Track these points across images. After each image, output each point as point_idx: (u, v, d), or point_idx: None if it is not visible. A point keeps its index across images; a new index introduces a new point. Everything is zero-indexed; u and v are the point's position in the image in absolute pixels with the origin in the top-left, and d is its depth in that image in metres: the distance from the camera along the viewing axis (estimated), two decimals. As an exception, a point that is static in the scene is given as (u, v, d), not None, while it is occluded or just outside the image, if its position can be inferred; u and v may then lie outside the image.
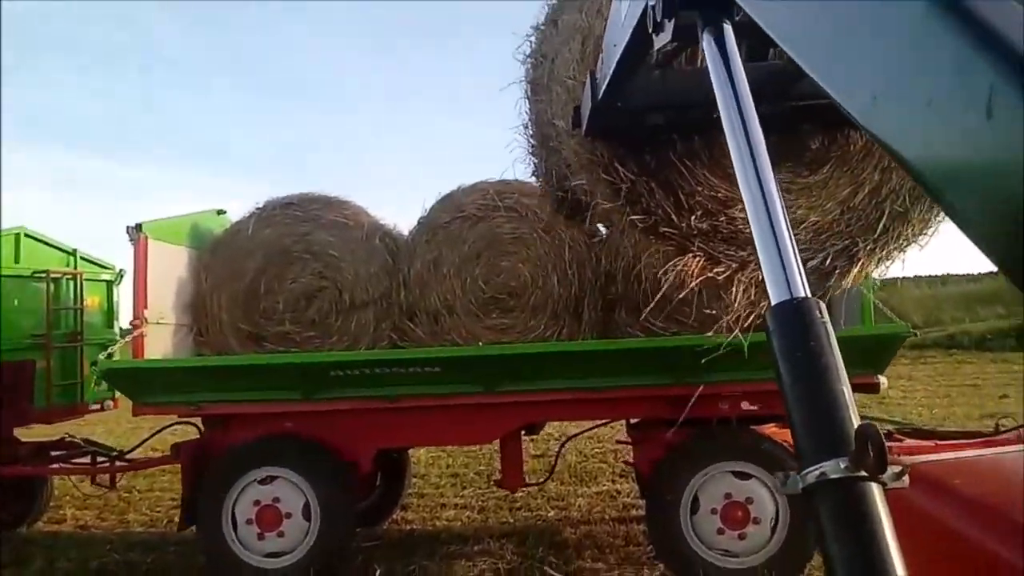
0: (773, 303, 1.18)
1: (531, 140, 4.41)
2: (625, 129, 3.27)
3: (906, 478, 0.99)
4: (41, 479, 7.42)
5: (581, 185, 3.70)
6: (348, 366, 5.35)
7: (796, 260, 1.23)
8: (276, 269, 6.42)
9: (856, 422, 1.02)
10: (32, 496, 7.47)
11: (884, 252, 3.47)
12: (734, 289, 3.48)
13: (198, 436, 6.10)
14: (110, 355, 5.78)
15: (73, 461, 7.31)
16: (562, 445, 7.00)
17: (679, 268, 3.37)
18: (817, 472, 0.99)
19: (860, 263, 3.43)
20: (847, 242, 3.43)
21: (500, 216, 6.20)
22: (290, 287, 6.38)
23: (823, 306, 1.17)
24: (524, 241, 6.17)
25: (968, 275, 28.13)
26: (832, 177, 3.44)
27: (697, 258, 3.40)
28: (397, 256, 6.37)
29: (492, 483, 6.96)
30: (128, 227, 5.77)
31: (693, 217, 3.37)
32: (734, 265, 3.45)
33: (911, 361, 18.00)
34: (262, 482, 5.63)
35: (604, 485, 8.21)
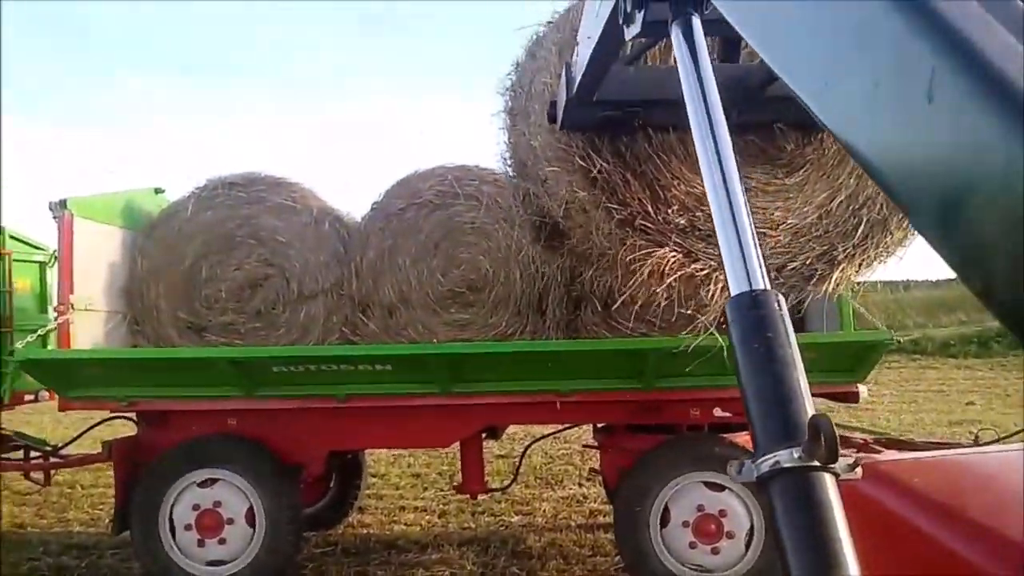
0: (732, 295, 1.18)
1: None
2: (600, 123, 3.25)
3: (859, 470, 0.99)
4: (-32, 476, 6.88)
5: (554, 173, 3.54)
6: (292, 362, 4.92)
7: (757, 253, 1.22)
8: (218, 255, 5.94)
9: (811, 412, 1.02)
10: (-42, 494, 6.94)
11: (864, 258, 3.49)
12: (712, 287, 3.37)
13: (132, 433, 5.64)
14: (28, 344, 5.28)
15: (4, 456, 6.82)
16: (526, 448, 6.63)
17: (655, 262, 3.25)
18: (771, 461, 0.99)
19: (840, 268, 3.45)
20: (826, 247, 3.46)
21: (459, 204, 5.78)
22: (233, 274, 5.92)
23: (782, 298, 1.16)
24: (485, 232, 5.77)
25: (930, 281, 28.40)
26: (808, 181, 3.49)
27: (674, 253, 3.31)
28: (349, 244, 5.92)
29: (453, 487, 6.56)
30: (51, 203, 5.27)
31: (670, 210, 3.33)
32: (712, 263, 3.35)
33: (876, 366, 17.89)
34: (202, 485, 5.20)
35: (570, 489, 7.86)
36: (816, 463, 0.96)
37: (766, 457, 1.01)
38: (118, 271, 5.96)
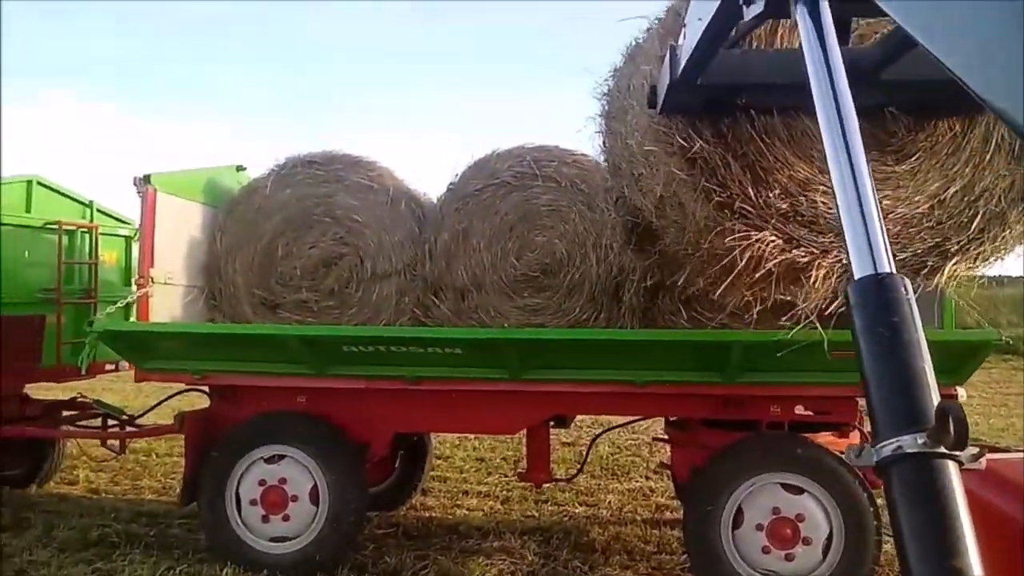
0: (856, 277, 1.15)
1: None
2: (702, 106, 3.19)
3: (983, 460, 0.96)
4: (51, 440, 7.14)
5: (652, 159, 3.48)
6: (362, 341, 4.87)
7: (883, 234, 1.19)
8: (295, 232, 5.96)
9: (936, 399, 0.99)
10: (42, 456, 7.20)
11: (980, 252, 3.34)
12: (815, 274, 3.23)
13: (205, 407, 5.72)
14: (108, 315, 5.39)
15: (83, 423, 7.06)
16: (594, 439, 6.47)
17: (755, 248, 3.13)
18: (894, 445, 0.97)
19: (953, 261, 3.30)
20: (938, 239, 3.32)
21: (537, 186, 5.64)
22: (309, 252, 5.93)
23: (908, 283, 1.13)
24: (562, 215, 5.62)
25: (1027, 278, 26.92)
26: (920, 169, 3.35)
27: (774, 239, 3.18)
28: (424, 225, 5.86)
29: (517, 474, 6.47)
30: (135, 178, 5.35)
31: (771, 194, 3.23)
32: (815, 251, 3.21)
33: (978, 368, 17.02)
34: (269, 461, 5.23)
35: (637, 481, 7.67)
36: (941, 449, 0.95)
37: (888, 442, 0.99)
38: (198, 247, 6.05)
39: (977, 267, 3.41)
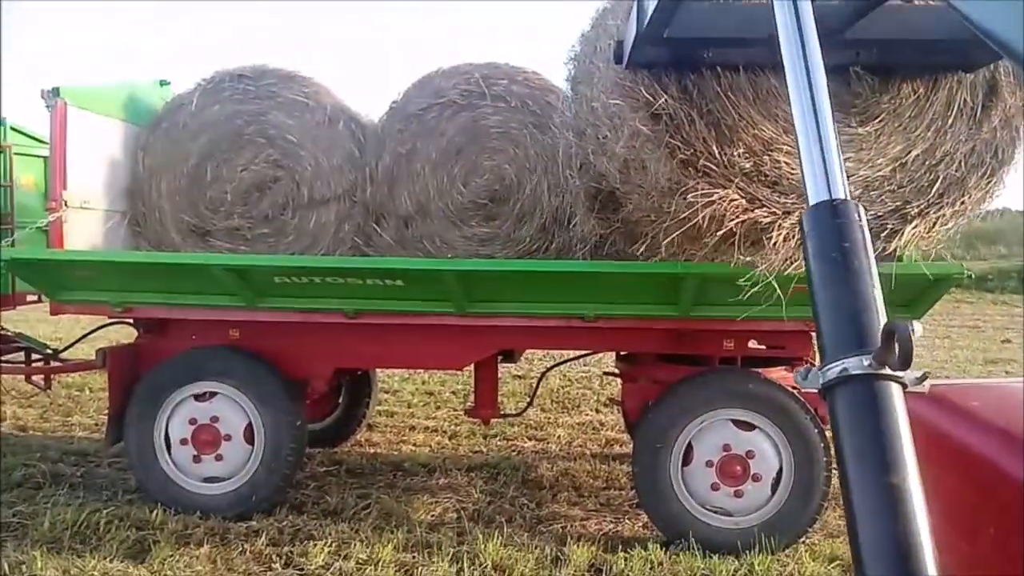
0: (811, 203, 1.16)
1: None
2: (668, 60, 3.22)
3: (927, 383, 0.98)
4: (-30, 374, 6.70)
5: (617, 113, 3.46)
6: (295, 272, 4.54)
7: (839, 162, 1.19)
8: (225, 154, 5.51)
9: (883, 322, 0.99)
10: (-39, 391, 6.79)
11: (939, 216, 3.38)
12: (775, 235, 3.24)
13: (129, 341, 5.37)
14: (12, 243, 4.95)
15: (3, 357, 6.63)
16: (543, 373, 6.28)
17: (716, 206, 3.16)
18: (839, 368, 0.98)
19: (913, 224, 3.36)
20: (899, 202, 3.38)
21: (486, 106, 5.26)
22: (240, 175, 5.50)
23: (861, 209, 1.14)
24: (512, 137, 5.27)
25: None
26: (883, 132, 3.39)
27: (737, 197, 3.20)
28: (364, 147, 5.45)
29: (464, 410, 6.28)
30: (43, 91, 4.83)
31: (736, 153, 3.25)
32: (777, 212, 3.21)
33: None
34: (199, 398, 4.94)
35: (587, 415, 7.58)
36: (886, 371, 0.95)
37: (833, 364, 0.99)
38: (119, 168, 5.57)
39: (937, 230, 3.44)
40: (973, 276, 4.41)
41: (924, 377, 0.99)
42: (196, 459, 4.92)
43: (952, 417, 1.56)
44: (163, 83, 6.08)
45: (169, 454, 4.95)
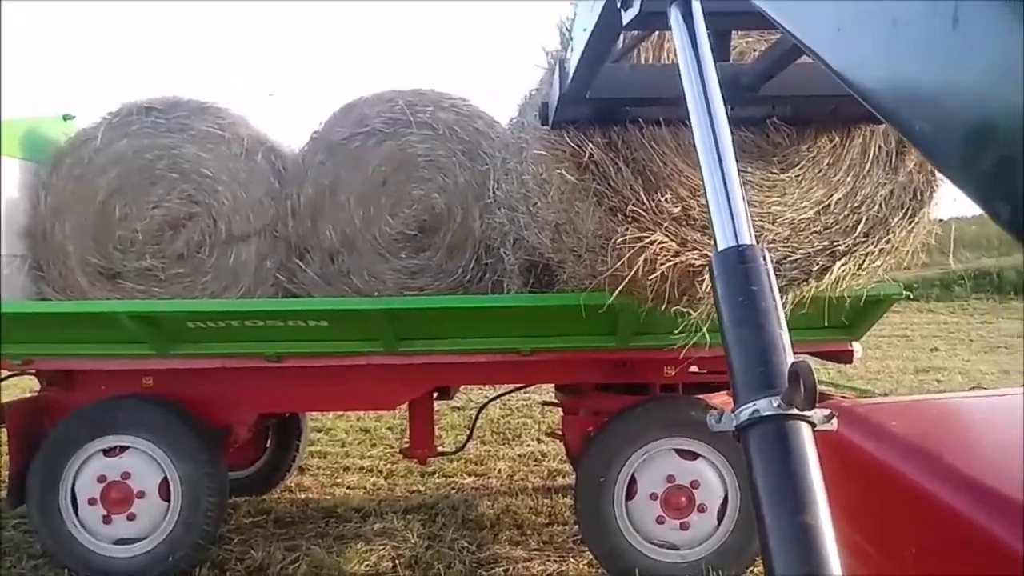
0: (719, 249, 1.20)
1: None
2: (592, 119, 3.34)
3: (835, 421, 1.02)
4: None
5: (545, 165, 3.55)
6: (209, 317, 4.25)
7: (744, 209, 1.24)
8: (134, 190, 5.17)
9: (790, 363, 1.02)
10: None
11: (866, 255, 3.52)
12: (707, 278, 3.21)
13: (32, 394, 4.97)
14: None
15: None
16: (481, 408, 6.05)
17: (648, 250, 3.19)
18: (751, 409, 1.01)
19: (842, 261, 3.48)
20: (826, 242, 3.52)
21: (412, 133, 5.07)
22: (151, 213, 5.16)
23: (767, 253, 1.19)
24: (440, 165, 5.08)
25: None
26: (805, 177, 3.57)
27: (667, 241, 3.24)
28: (285, 179, 5.19)
29: (399, 450, 6.02)
30: (-73, 128, 4.46)
31: (664, 199, 3.32)
32: (708, 255, 3.13)
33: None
34: (108, 453, 4.58)
35: (529, 445, 7.39)
36: (794, 411, 0.98)
37: (745, 406, 1.02)
38: (16, 208, 5.18)
39: (866, 267, 3.54)
40: (911, 296, 4.40)
41: (832, 416, 1.01)
42: (106, 519, 4.54)
43: (873, 438, 1.60)
44: (67, 117, 5.70)
45: (76, 515, 4.56)
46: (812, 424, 0.99)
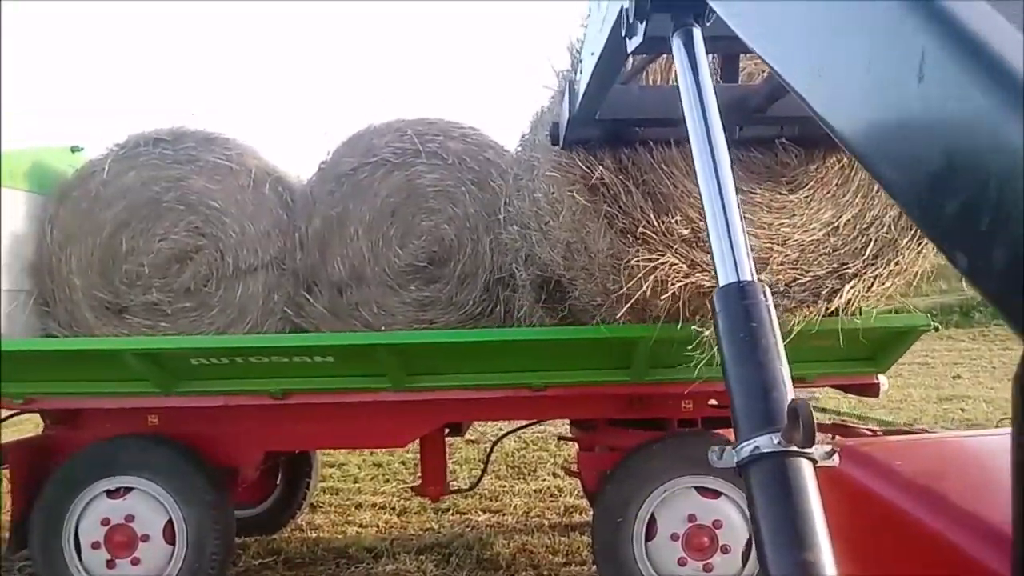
0: (720, 285, 1.21)
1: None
2: (602, 138, 3.37)
3: (836, 457, 1.01)
4: None
5: (556, 185, 3.56)
6: (213, 353, 4.14)
7: (745, 245, 1.25)
8: (141, 223, 5.10)
9: (790, 399, 1.03)
10: None
11: (875, 276, 3.50)
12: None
13: (35, 434, 4.87)
14: None
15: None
16: (494, 443, 5.90)
17: (659, 272, 3.20)
18: (752, 446, 1.01)
19: (852, 284, 3.46)
20: (835, 264, 3.49)
21: (421, 163, 4.98)
22: (159, 246, 5.09)
23: (768, 290, 1.19)
24: (450, 195, 4.99)
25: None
26: (814, 198, 3.56)
27: (678, 263, 3.25)
28: (293, 210, 5.11)
29: (412, 487, 5.85)
30: (-70, 163, 4.41)
31: (673, 220, 3.34)
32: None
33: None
34: (112, 495, 4.45)
35: (544, 480, 7.19)
36: (794, 448, 0.98)
37: (746, 443, 1.02)
38: (23, 243, 5.12)
39: (876, 289, 3.52)
40: (938, 328, 4.24)
41: (833, 452, 1.01)
42: (110, 564, 4.41)
43: (876, 475, 1.59)
44: (75, 149, 5.66)
45: (80, 559, 4.44)
46: (813, 460, 0.99)
